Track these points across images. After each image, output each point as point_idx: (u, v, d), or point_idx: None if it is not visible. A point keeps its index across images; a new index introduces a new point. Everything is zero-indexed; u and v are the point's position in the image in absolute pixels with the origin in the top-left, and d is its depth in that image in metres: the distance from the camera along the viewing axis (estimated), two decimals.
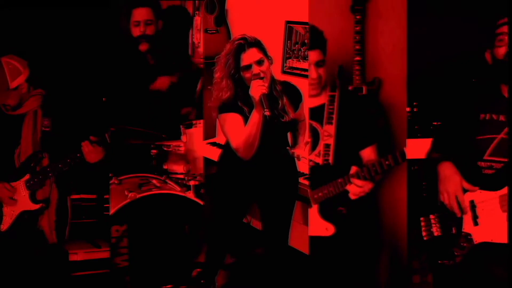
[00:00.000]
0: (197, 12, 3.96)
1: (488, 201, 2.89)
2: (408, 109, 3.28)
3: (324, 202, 3.18)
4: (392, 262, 3.36)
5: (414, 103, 3.29)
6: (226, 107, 3.16)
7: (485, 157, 2.92)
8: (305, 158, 3.35)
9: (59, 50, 3.51)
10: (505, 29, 2.90)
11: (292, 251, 3.52)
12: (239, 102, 3.15)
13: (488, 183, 2.89)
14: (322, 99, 3.25)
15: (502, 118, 2.92)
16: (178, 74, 3.80)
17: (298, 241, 3.48)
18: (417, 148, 3.19)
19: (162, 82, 3.78)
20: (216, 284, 3.52)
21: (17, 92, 3.32)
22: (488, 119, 2.94)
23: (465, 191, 2.93)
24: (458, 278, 2.97)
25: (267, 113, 3.00)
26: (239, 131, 3.12)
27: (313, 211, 3.20)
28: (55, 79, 3.46)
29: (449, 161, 2.97)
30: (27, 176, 3.37)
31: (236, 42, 3.11)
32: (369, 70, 3.39)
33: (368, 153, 3.19)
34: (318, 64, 3.21)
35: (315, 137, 3.23)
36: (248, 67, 3.10)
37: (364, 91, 3.37)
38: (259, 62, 3.11)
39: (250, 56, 3.10)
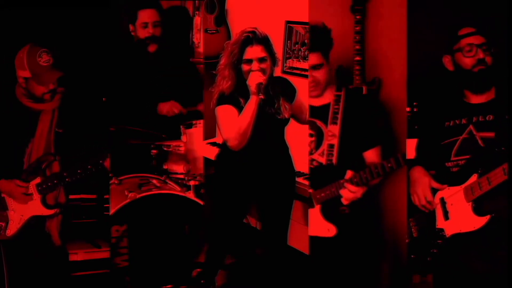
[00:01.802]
0: (197, 12, 3.97)
1: (454, 195, 3.03)
2: (408, 109, 3.28)
3: (327, 202, 3.18)
4: (393, 262, 3.36)
5: (414, 103, 3.29)
6: (222, 99, 3.19)
7: (452, 158, 3.06)
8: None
9: (60, 50, 3.49)
10: (473, 40, 3.01)
11: (292, 251, 3.52)
12: (237, 94, 3.18)
13: (455, 180, 3.04)
14: (326, 99, 3.25)
15: (464, 121, 3.06)
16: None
17: (298, 241, 3.48)
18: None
19: (169, 108, 3.78)
20: (216, 284, 3.52)
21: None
22: (452, 125, 3.08)
23: (436, 190, 3.07)
24: (438, 272, 3.15)
25: (261, 96, 3.07)
26: (231, 121, 3.15)
27: (315, 211, 3.20)
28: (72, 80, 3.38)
29: (420, 165, 3.13)
30: (38, 180, 3.24)
31: (245, 34, 3.16)
32: (369, 70, 3.39)
33: (371, 155, 3.19)
34: (315, 67, 3.21)
35: (319, 136, 3.24)
36: (249, 61, 3.14)
37: (364, 91, 3.37)
38: (261, 60, 3.15)
39: (254, 52, 3.14)
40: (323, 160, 3.21)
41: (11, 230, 3.25)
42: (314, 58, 3.20)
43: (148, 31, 3.73)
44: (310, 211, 3.22)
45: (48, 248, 3.31)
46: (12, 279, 3.27)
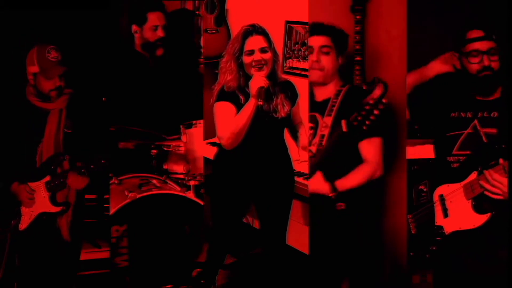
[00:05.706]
0: (197, 12, 3.97)
1: (454, 192, 3.02)
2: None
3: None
4: (393, 262, 3.37)
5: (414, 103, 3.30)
6: (222, 95, 3.20)
7: (454, 152, 3.05)
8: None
9: (66, 49, 3.48)
10: (479, 45, 2.99)
11: (291, 251, 3.52)
12: (237, 91, 3.18)
13: (455, 176, 3.02)
14: (328, 94, 3.26)
15: (469, 115, 3.05)
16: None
17: (297, 240, 3.49)
18: (417, 148, 3.20)
19: None
20: (216, 284, 3.52)
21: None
22: (457, 117, 3.07)
23: (435, 188, 3.08)
24: (436, 270, 3.15)
25: (260, 102, 3.08)
26: (227, 119, 3.16)
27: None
28: (78, 81, 3.44)
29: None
30: (47, 178, 3.33)
31: (245, 27, 3.18)
32: (369, 70, 3.39)
33: (366, 146, 3.17)
34: (323, 51, 3.22)
35: (317, 129, 3.26)
36: (251, 52, 3.14)
37: None
38: (262, 50, 3.16)
39: (254, 42, 3.16)
40: (314, 149, 3.23)
41: (23, 224, 3.35)
42: (322, 40, 3.21)
43: (158, 34, 3.73)
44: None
45: (57, 243, 3.40)
46: (23, 271, 3.39)
